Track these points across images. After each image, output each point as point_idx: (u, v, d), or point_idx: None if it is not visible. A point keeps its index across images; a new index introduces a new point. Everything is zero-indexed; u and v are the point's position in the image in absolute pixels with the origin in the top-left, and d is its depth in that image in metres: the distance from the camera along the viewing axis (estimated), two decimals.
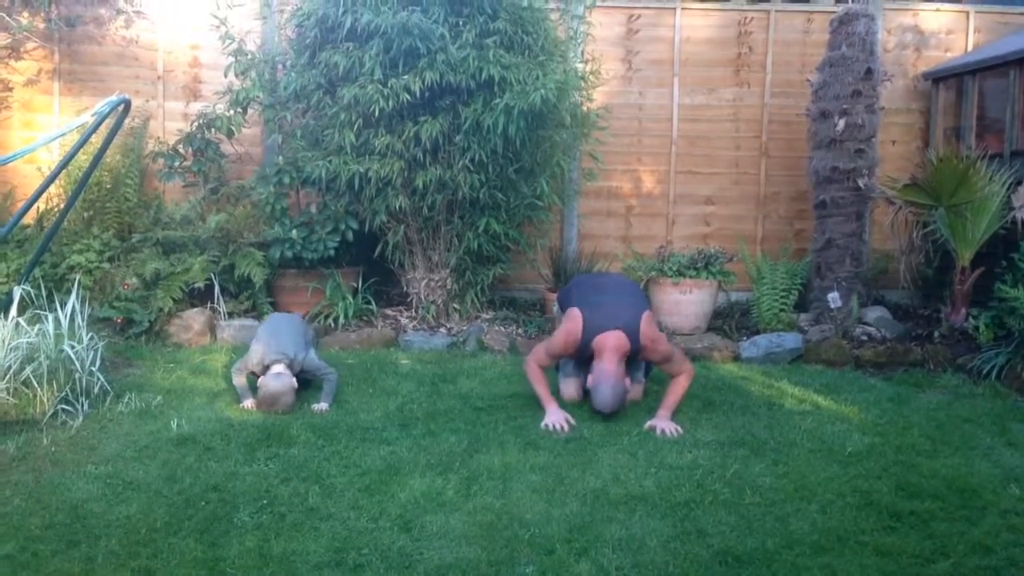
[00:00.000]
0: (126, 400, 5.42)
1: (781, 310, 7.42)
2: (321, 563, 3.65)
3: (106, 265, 6.99)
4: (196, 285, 6.88)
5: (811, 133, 7.80)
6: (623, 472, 4.50)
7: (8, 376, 4.94)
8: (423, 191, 6.98)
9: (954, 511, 4.05)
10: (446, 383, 5.97)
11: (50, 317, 5.32)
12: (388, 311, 7.73)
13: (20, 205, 7.44)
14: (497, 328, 7.36)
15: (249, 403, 5.36)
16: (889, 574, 3.50)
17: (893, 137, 8.73)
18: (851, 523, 3.94)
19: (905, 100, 8.82)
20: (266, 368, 5.37)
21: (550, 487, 4.33)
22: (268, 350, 5.39)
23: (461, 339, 7.08)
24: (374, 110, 6.71)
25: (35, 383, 5.06)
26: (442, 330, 7.34)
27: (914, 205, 7.42)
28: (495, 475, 4.46)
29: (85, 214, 7.37)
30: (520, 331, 7.36)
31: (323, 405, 5.38)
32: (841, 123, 7.43)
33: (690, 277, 7.42)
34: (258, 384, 5.34)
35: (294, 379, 5.35)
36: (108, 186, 7.50)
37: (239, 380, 5.47)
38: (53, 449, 4.73)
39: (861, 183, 7.43)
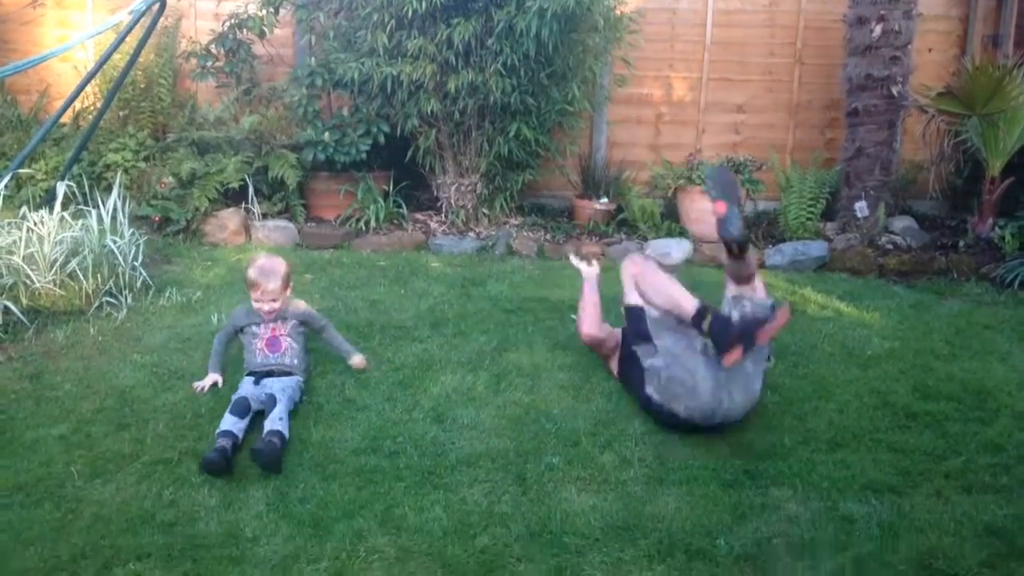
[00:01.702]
0: (167, 294, 5.62)
1: (808, 219, 7.46)
2: (358, 449, 3.87)
3: (142, 164, 7.12)
4: (231, 186, 7.01)
5: (847, 39, 7.68)
6: None
7: (55, 268, 5.14)
8: (455, 95, 6.99)
9: (968, 412, 4.19)
10: (476, 286, 6.11)
11: (93, 213, 5.49)
12: (418, 215, 7.84)
13: (56, 103, 7.57)
14: (525, 233, 7.46)
15: (209, 381, 4.36)
16: (902, 470, 3.67)
17: (929, 45, 8.56)
18: (867, 422, 4.10)
19: (944, 6, 8.61)
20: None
21: (576, 385, 4.51)
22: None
23: (490, 243, 7.19)
24: (407, 11, 6.69)
25: (80, 276, 5.26)
26: (471, 234, 7.45)
27: (947, 114, 7.35)
28: (524, 373, 4.64)
29: (120, 113, 7.47)
30: (548, 237, 7.46)
31: (356, 359, 4.56)
32: (878, 29, 7.31)
33: None
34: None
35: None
36: (142, 86, 7.57)
37: (216, 343, 4.50)
38: (99, 339, 4.95)
39: (895, 91, 7.35)
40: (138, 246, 5.57)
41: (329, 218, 7.53)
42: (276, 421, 3.85)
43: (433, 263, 6.71)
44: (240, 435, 3.84)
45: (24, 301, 5.03)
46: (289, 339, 4.33)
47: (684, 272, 6.58)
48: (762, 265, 6.91)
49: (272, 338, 4.32)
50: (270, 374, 4.21)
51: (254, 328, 4.33)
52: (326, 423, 4.08)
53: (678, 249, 7.06)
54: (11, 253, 5.00)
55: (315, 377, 4.55)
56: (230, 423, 3.87)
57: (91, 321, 5.14)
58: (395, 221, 7.55)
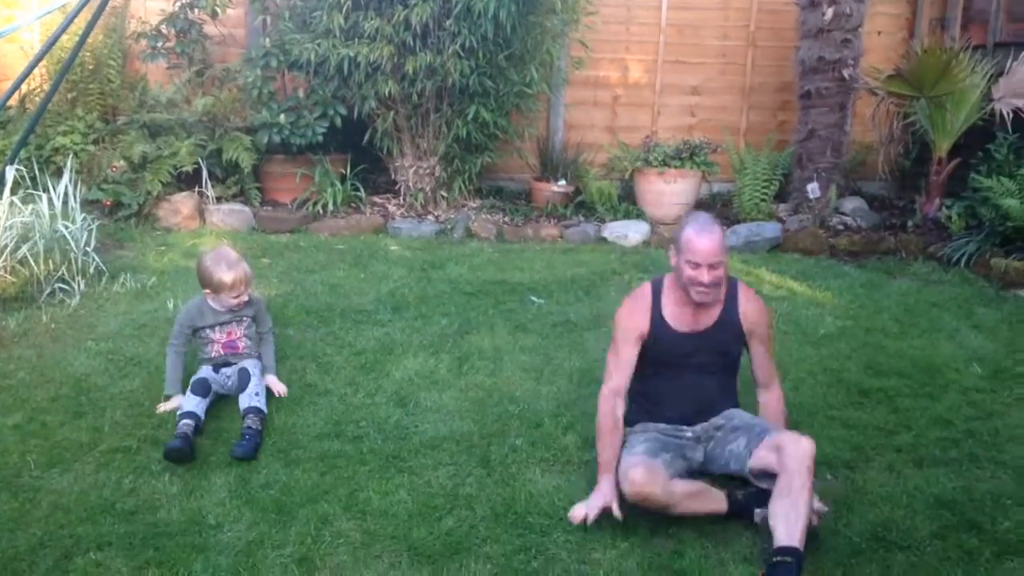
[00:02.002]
0: (121, 280, 5.53)
1: (762, 200, 7.57)
2: (322, 434, 3.87)
3: (91, 147, 6.98)
4: (184, 169, 6.90)
5: (799, 22, 7.78)
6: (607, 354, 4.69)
7: (4, 255, 5.03)
8: (413, 77, 6.95)
9: (918, 388, 4.32)
10: (435, 269, 6.12)
11: (43, 197, 5.38)
12: (376, 198, 7.80)
13: (3, 85, 7.37)
14: (484, 216, 7.47)
15: (172, 404, 4.00)
16: (855, 445, 3.77)
17: (879, 27, 8.70)
18: (821, 399, 4.20)
19: None
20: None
21: (539, 367, 4.55)
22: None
23: (449, 226, 7.19)
24: None
25: (31, 262, 5.16)
26: (430, 217, 7.43)
27: (896, 96, 7.50)
28: (486, 355, 4.66)
29: (68, 95, 7.29)
30: (507, 219, 7.47)
31: (276, 383, 4.23)
32: (829, 12, 7.42)
33: (675, 167, 7.52)
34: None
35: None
36: (90, 67, 7.40)
37: (171, 351, 4.13)
38: (53, 326, 4.87)
39: (846, 73, 7.48)
40: (90, 231, 5.47)
41: (285, 201, 7.45)
42: (253, 397, 3.88)
43: (392, 246, 6.69)
44: (203, 416, 3.80)
45: None
46: (245, 339, 4.21)
47: (641, 254, 6.67)
48: None
49: (228, 342, 4.18)
50: (227, 364, 4.15)
51: (209, 332, 4.15)
52: (288, 409, 4.07)
53: (635, 231, 7.12)
54: None
55: (276, 363, 4.51)
56: (193, 404, 3.82)
57: (43, 308, 5.05)
58: (353, 204, 7.50)
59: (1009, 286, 5.88)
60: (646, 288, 3.60)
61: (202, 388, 3.93)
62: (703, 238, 3.27)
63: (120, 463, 3.58)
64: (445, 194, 7.67)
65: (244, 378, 3.98)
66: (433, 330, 4.98)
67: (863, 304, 5.55)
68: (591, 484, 3.50)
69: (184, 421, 3.74)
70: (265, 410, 3.89)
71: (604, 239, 7.08)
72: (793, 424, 3.95)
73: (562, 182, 7.92)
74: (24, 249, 5.07)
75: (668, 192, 7.52)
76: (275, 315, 5.10)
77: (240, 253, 4.23)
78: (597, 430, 3.39)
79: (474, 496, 3.42)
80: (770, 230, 7.07)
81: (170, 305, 5.17)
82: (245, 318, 4.19)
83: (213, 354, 4.14)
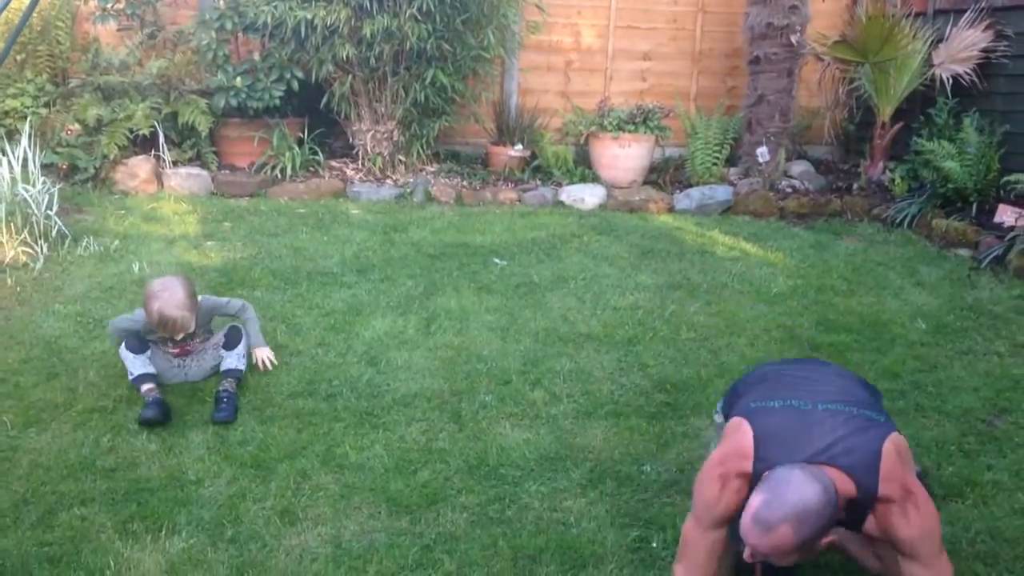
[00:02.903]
0: (84, 244, 5.50)
1: (713, 164, 7.75)
2: (295, 393, 3.95)
3: (43, 111, 6.85)
4: (140, 132, 6.82)
5: None
6: (571, 313, 4.85)
7: None
8: (370, 40, 6.94)
9: (866, 343, 4.54)
10: (397, 232, 6.18)
11: (3, 161, 5.30)
12: (334, 163, 7.79)
13: None
14: (443, 180, 7.52)
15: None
16: None
17: None
18: (775, 354, 4.39)
19: None
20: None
21: (504, 326, 4.67)
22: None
23: (408, 191, 7.23)
24: None
25: None
26: (388, 182, 7.47)
27: (842, 62, 7.71)
28: (452, 316, 4.77)
29: (17, 57, 7.13)
30: (465, 183, 7.54)
31: (263, 350, 4.11)
32: None
33: (629, 132, 7.64)
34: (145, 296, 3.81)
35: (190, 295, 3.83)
36: (38, 28, 7.23)
37: (126, 351, 3.88)
38: (18, 290, 4.85)
39: (794, 39, 7.65)
40: (51, 195, 5.42)
41: (242, 165, 7.41)
42: (239, 359, 3.96)
43: (353, 210, 6.72)
44: (155, 371, 3.78)
45: None
46: (199, 343, 4.02)
47: (598, 217, 6.81)
48: (671, 209, 7.17)
49: (181, 351, 4.00)
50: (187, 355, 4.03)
51: (159, 344, 3.94)
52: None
53: (592, 195, 7.25)
54: None
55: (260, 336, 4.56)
56: (140, 364, 3.77)
57: (7, 272, 5.02)
58: (311, 168, 7.49)
59: (949, 245, 6.15)
60: (744, 462, 2.41)
61: (138, 344, 3.81)
62: (758, 533, 2.22)
63: (97, 422, 3.63)
64: (403, 158, 7.70)
65: (233, 337, 3.98)
66: (399, 292, 5.06)
67: (813, 264, 5.77)
68: (559, 437, 3.66)
69: (146, 386, 3.73)
70: (244, 370, 3.95)
71: (561, 202, 7.19)
72: None
73: (519, 146, 8.00)
74: None
75: (623, 156, 7.65)
76: (241, 277, 5.15)
77: (190, 291, 3.80)
78: None
79: (447, 450, 3.54)
80: (722, 193, 7.26)
81: (135, 267, 5.17)
82: (202, 331, 4.03)
83: (170, 358, 3.99)
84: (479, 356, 4.33)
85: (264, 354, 4.08)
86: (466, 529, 3.07)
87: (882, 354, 4.42)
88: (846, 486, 2.27)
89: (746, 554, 2.26)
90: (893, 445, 2.35)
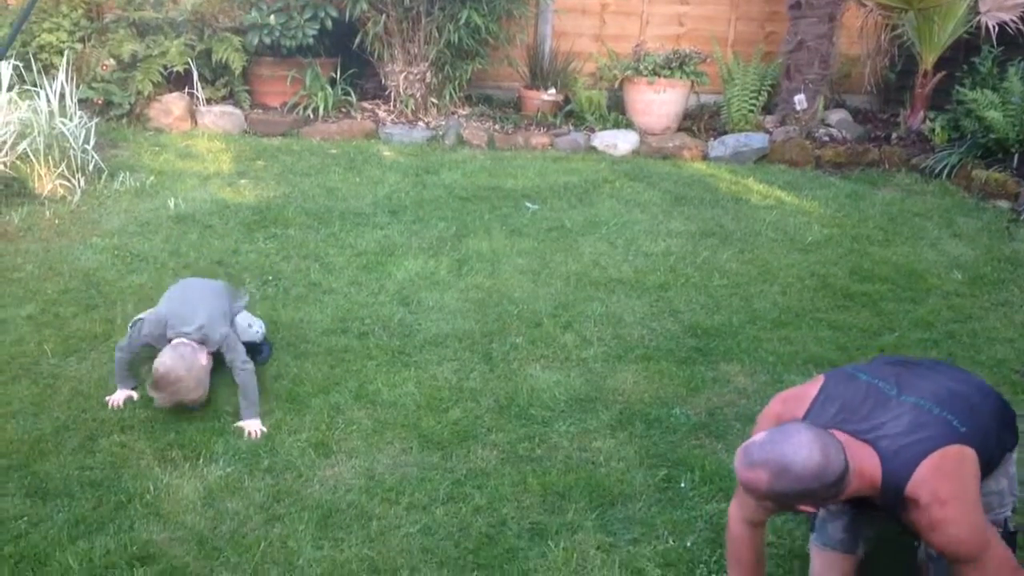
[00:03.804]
0: (120, 179, 5.55)
1: (750, 111, 7.63)
2: (328, 330, 3.99)
3: (78, 46, 6.86)
4: (174, 69, 6.82)
5: None
6: (602, 258, 4.85)
7: (4, 150, 5.02)
8: None
9: (901, 293, 4.50)
10: (429, 174, 6.17)
11: (41, 94, 5.34)
12: (365, 104, 7.76)
13: None
14: (475, 123, 7.47)
15: (121, 396, 3.43)
16: (840, 345, 3.96)
17: None
18: (808, 302, 4.38)
19: None
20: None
21: (536, 270, 4.68)
22: (171, 320, 3.43)
23: (440, 133, 7.20)
24: None
25: (32, 158, 5.15)
26: (420, 124, 7.43)
27: (885, 8, 7.52)
28: (484, 258, 4.78)
29: None
30: (497, 127, 7.48)
31: (251, 423, 3.32)
32: None
33: (664, 77, 7.53)
34: (154, 365, 3.33)
35: (204, 357, 3.40)
36: None
37: (121, 356, 3.47)
38: (56, 222, 4.91)
39: None
40: (88, 129, 5.46)
41: (275, 105, 7.41)
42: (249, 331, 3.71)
43: (385, 152, 6.71)
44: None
45: None
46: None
47: (631, 163, 6.76)
48: (705, 157, 7.10)
49: None
50: None
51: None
52: (294, 305, 4.19)
53: (625, 141, 7.18)
54: None
55: (280, 262, 4.61)
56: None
57: (46, 204, 5.09)
58: (343, 109, 7.47)
59: (988, 197, 6.05)
60: (800, 408, 2.37)
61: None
62: (740, 462, 2.21)
63: None
64: (436, 101, 7.65)
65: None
66: (431, 233, 5.08)
67: (848, 213, 5.70)
68: (589, 379, 3.68)
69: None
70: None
71: (594, 148, 7.13)
72: (781, 325, 4.15)
73: (552, 91, 7.91)
74: (24, 145, 5.06)
75: (657, 102, 7.55)
76: (275, 216, 5.18)
77: (198, 374, 3.31)
78: (728, 554, 2.53)
79: (478, 390, 3.58)
80: (757, 141, 7.16)
81: (171, 204, 5.22)
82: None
83: None
84: (510, 298, 4.35)
85: (255, 427, 3.30)
86: (496, 466, 3.11)
87: (917, 304, 4.38)
88: (871, 470, 2.16)
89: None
90: (948, 454, 2.17)
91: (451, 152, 6.84)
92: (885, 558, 2.64)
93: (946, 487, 2.13)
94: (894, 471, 2.14)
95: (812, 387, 2.38)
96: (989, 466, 2.27)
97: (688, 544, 2.76)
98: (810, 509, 2.18)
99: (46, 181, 5.15)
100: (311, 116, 7.20)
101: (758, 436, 2.18)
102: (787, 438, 2.13)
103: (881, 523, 2.57)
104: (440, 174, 6.18)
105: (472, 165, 6.46)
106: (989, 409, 2.35)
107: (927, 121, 7.35)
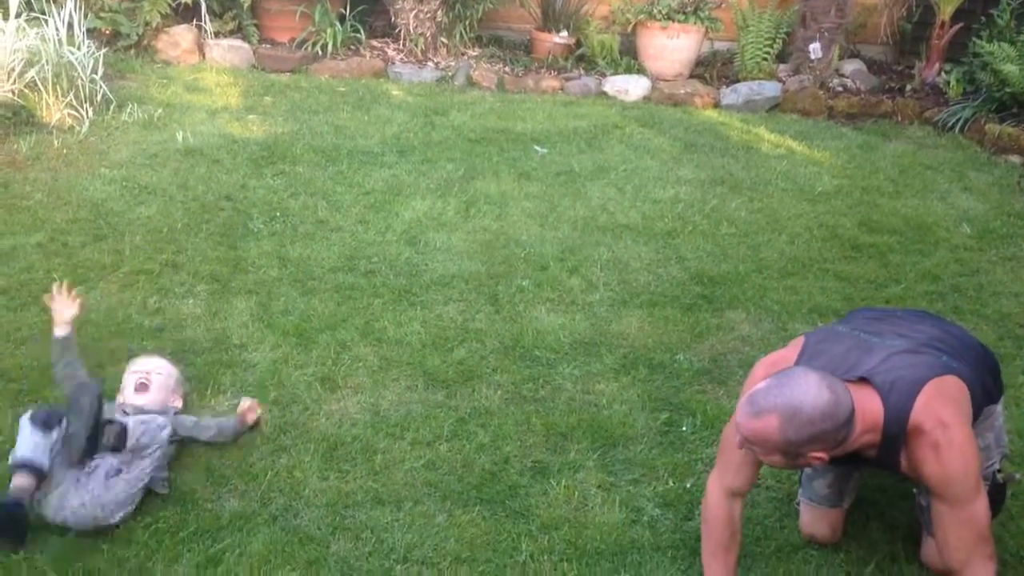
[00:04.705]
0: (128, 110, 5.52)
1: (763, 59, 7.53)
2: (335, 267, 4.01)
3: None
4: (182, 1, 6.73)
5: None
6: (610, 203, 4.83)
7: (12, 77, 4.98)
8: None
9: (909, 245, 4.50)
10: (438, 115, 6.12)
11: (49, 22, 5.28)
12: (375, 42, 7.66)
13: None
14: (485, 65, 7.38)
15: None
16: (846, 295, 3.97)
17: None
18: (816, 253, 4.37)
19: None
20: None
21: (543, 213, 4.67)
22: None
23: (450, 74, 7.13)
24: None
25: (40, 87, 5.12)
26: (430, 64, 7.35)
27: None
28: (491, 200, 4.77)
29: None
30: (508, 69, 7.40)
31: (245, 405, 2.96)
32: None
33: (679, 22, 7.41)
34: None
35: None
36: None
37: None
38: (64, 151, 4.90)
39: None
40: (96, 59, 5.41)
41: (283, 40, 7.32)
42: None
43: (393, 91, 6.65)
44: (47, 463, 2.46)
45: None
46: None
47: (642, 109, 6.69)
48: (717, 104, 7.02)
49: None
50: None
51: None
52: (302, 242, 4.19)
53: (636, 86, 7.11)
54: None
55: (288, 199, 4.61)
56: (27, 444, 2.47)
57: (54, 133, 5.06)
58: (352, 47, 7.38)
59: (1001, 151, 6.00)
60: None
61: (47, 417, 2.51)
62: (746, 412, 2.12)
63: (143, 284, 3.71)
64: (446, 40, 7.55)
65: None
66: (439, 174, 5.06)
67: (859, 165, 5.66)
68: (594, 323, 3.70)
69: (21, 477, 2.43)
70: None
71: (605, 93, 7.06)
72: (787, 274, 4.15)
73: (563, 34, 7.80)
74: (32, 72, 5.02)
75: (670, 47, 7.45)
76: (283, 152, 5.16)
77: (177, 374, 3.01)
78: (704, 528, 2.42)
79: (483, 330, 3.60)
80: (770, 89, 7.08)
81: (179, 137, 5.19)
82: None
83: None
84: (517, 241, 4.35)
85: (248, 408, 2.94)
86: (500, 405, 3.15)
87: (924, 256, 4.38)
88: (872, 408, 2.11)
89: (738, 440, 2.15)
90: (946, 382, 2.14)
91: (460, 93, 6.77)
92: (877, 511, 2.69)
93: (949, 410, 2.10)
94: (895, 404, 2.11)
95: (793, 348, 2.34)
96: (974, 417, 2.23)
97: (688, 486, 2.80)
98: (822, 456, 2.08)
99: (54, 110, 5.12)
100: (319, 53, 7.12)
101: (760, 384, 2.12)
102: (792, 380, 2.08)
103: (861, 480, 2.64)
104: (449, 115, 6.13)
105: (481, 107, 6.41)
106: (975, 355, 2.35)
107: (942, 74, 7.26)
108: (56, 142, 4.97)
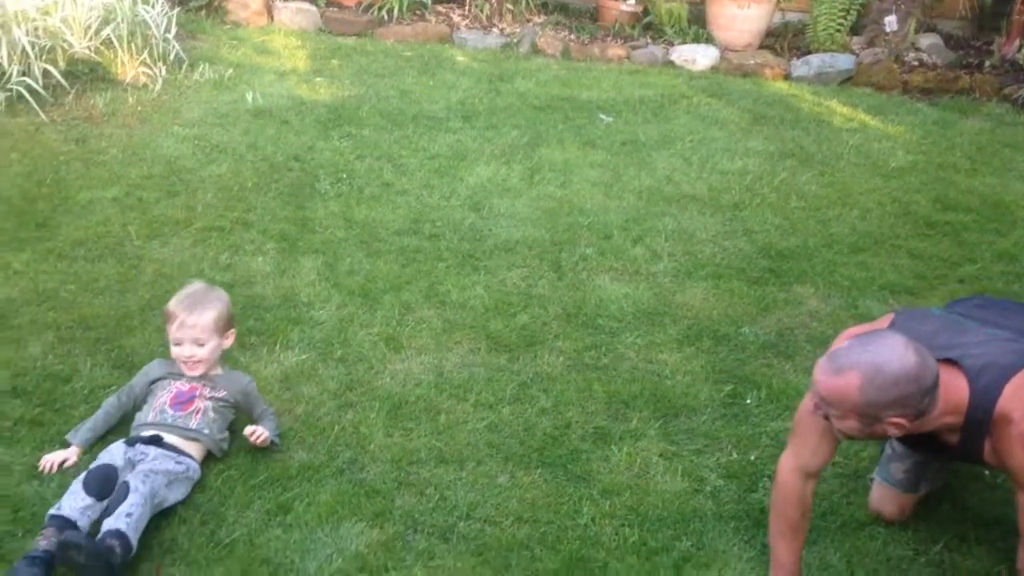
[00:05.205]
0: (200, 70, 5.61)
1: (837, 31, 7.34)
2: (400, 230, 4.03)
3: None
4: None
5: None
6: (676, 174, 4.78)
7: (89, 34, 5.08)
8: None
9: (985, 224, 4.37)
10: (503, 82, 6.10)
11: None
12: (440, 8, 7.64)
13: None
14: (550, 32, 7.32)
15: (59, 456, 2.61)
16: (919, 273, 3.88)
17: None
18: (888, 229, 4.28)
19: None
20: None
21: (608, 182, 4.63)
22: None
23: (515, 40, 7.09)
24: None
25: (115, 44, 5.22)
26: (495, 31, 7.31)
27: None
28: (556, 168, 4.75)
29: None
30: (573, 37, 7.33)
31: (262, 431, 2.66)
32: None
33: None
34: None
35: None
36: None
37: (105, 406, 2.76)
38: (139, 108, 5.01)
39: None
40: (169, 18, 5.50)
41: (350, 4, 7.33)
42: (121, 518, 2.28)
43: (458, 57, 6.63)
44: (86, 526, 2.32)
45: (62, 65, 5.00)
46: (209, 404, 2.70)
47: (710, 79, 6.59)
48: (787, 76, 6.87)
49: (186, 393, 2.71)
50: (154, 441, 2.57)
51: (170, 381, 2.75)
52: (367, 204, 4.22)
53: (704, 56, 6.99)
54: (47, 14, 4.93)
55: (354, 161, 4.64)
56: (75, 504, 2.34)
57: (129, 91, 5.17)
58: (418, 12, 7.37)
59: None
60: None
61: (100, 481, 2.40)
62: (826, 369, 2.02)
63: (215, 240, 3.78)
64: (511, 7, 7.50)
65: (118, 499, 2.34)
66: (504, 141, 5.05)
67: (935, 141, 5.50)
68: (658, 293, 3.67)
69: (46, 534, 2.28)
70: (134, 542, 2.26)
71: (672, 62, 6.96)
72: (858, 250, 4.07)
73: (631, 1, 7.69)
74: (108, 30, 5.12)
75: (741, 17, 7.30)
76: (349, 115, 5.20)
77: (227, 305, 2.82)
78: (773, 508, 2.33)
79: (546, 297, 3.60)
80: (843, 62, 6.91)
81: (248, 97, 5.26)
82: (223, 389, 2.75)
83: (153, 409, 2.67)
84: (581, 209, 4.33)
85: (259, 430, 2.67)
86: (562, 371, 3.15)
87: (1001, 236, 4.25)
88: (957, 389, 2.02)
89: (814, 402, 2.08)
90: None
91: (525, 60, 6.73)
92: (948, 491, 2.64)
93: None
94: (982, 388, 2.02)
95: (880, 323, 2.25)
96: None
97: (752, 458, 2.78)
98: (901, 423, 1.98)
99: (128, 68, 5.22)
100: (385, 17, 7.13)
101: (843, 343, 2.04)
102: (876, 339, 2.00)
103: (944, 473, 2.55)
104: (514, 82, 6.11)
105: (546, 74, 6.36)
106: None
107: (1023, 50, 7.01)
108: (131, 99, 5.07)
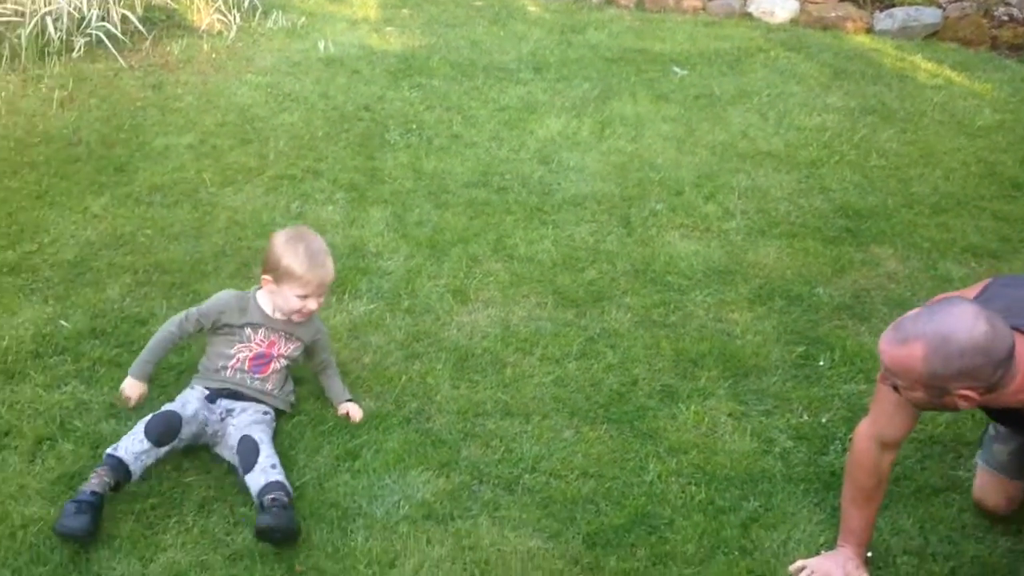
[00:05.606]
0: (273, 18, 5.66)
1: None
2: (469, 182, 4.02)
3: None
4: None
5: None
6: (751, 129, 4.66)
7: None
8: None
9: None
10: (575, 33, 6.00)
11: None
12: None
13: None
14: None
15: (128, 390, 2.64)
16: (1003, 236, 3.74)
17: None
18: (972, 190, 4.12)
19: None
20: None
21: (680, 137, 4.54)
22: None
23: None
24: None
25: None
26: None
27: None
28: (627, 122, 4.67)
29: None
30: None
31: (351, 407, 2.69)
32: None
33: None
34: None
35: None
36: None
37: (159, 336, 2.70)
38: (213, 56, 5.07)
39: None
40: None
41: None
42: (269, 471, 2.36)
43: (530, 7, 6.54)
44: (139, 471, 2.34)
45: (140, 11, 5.07)
46: (284, 363, 2.66)
47: (788, 32, 6.39)
48: (870, 30, 6.62)
49: (264, 356, 2.64)
50: (236, 396, 2.59)
51: (246, 331, 2.63)
52: (437, 156, 4.22)
53: (783, 8, 6.78)
54: None
55: (423, 112, 4.63)
56: (132, 447, 2.34)
57: (203, 38, 5.24)
58: None
59: None
60: None
61: (163, 429, 2.39)
62: (891, 339, 1.95)
63: (286, 189, 3.82)
64: None
65: (249, 453, 2.40)
66: (575, 93, 4.98)
67: None
68: (729, 252, 3.61)
69: (95, 479, 2.27)
70: (290, 487, 2.35)
71: (749, 14, 6.75)
72: (940, 211, 3.93)
73: None
74: None
75: None
76: (420, 66, 5.18)
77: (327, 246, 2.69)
78: (847, 473, 2.27)
79: (615, 252, 3.56)
80: (929, 16, 6.63)
81: (320, 46, 5.29)
82: (298, 339, 2.68)
83: (230, 368, 2.62)
84: (652, 164, 4.25)
85: (353, 409, 2.69)
86: (629, 328, 3.12)
87: None
88: None
89: (881, 372, 2.00)
90: None
91: (597, 11, 6.60)
92: None
93: None
94: None
95: (973, 289, 2.15)
96: None
97: (823, 421, 2.72)
98: (971, 396, 1.89)
99: (204, 15, 5.29)
100: None
101: (910, 312, 1.95)
102: (945, 308, 1.90)
103: None
104: (586, 33, 6.00)
105: (619, 25, 6.24)
106: None
107: None
108: (205, 46, 5.13)
